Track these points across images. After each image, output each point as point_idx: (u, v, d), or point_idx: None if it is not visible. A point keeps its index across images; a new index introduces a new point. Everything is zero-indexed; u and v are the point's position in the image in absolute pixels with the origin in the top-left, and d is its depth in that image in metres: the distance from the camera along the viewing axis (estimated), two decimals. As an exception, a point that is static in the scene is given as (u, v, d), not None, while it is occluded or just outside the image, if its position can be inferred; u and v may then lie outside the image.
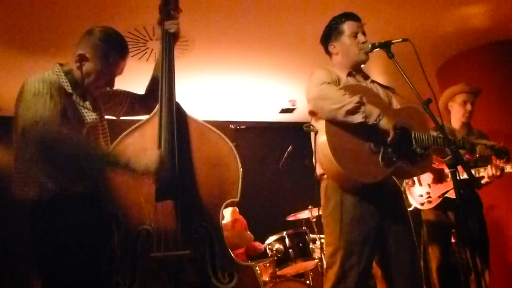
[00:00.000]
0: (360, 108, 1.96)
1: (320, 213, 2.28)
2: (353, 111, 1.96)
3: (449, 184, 3.18)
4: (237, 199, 1.85)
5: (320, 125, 2.04)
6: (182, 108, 1.94)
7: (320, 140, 2.01)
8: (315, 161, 2.17)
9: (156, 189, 1.75)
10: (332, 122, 2.00)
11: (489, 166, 3.05)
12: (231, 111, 5.74)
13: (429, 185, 3.30)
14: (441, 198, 3.22)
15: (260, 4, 3.59)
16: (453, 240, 3.48)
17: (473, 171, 3.12)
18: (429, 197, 3.27)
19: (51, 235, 1.73)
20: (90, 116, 1.90)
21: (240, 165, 1.87)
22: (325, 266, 2.11)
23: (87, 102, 1.93)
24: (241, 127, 5.53)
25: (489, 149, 2.48)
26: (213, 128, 1.92)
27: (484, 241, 3.15)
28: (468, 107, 3.26)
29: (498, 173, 3.01)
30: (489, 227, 3.28)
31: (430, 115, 1.91)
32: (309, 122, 2.15)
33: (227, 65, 4.61)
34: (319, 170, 2.17)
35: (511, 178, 3.18)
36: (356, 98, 1.97)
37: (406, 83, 1.96)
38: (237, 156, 1.88)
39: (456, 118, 3.34)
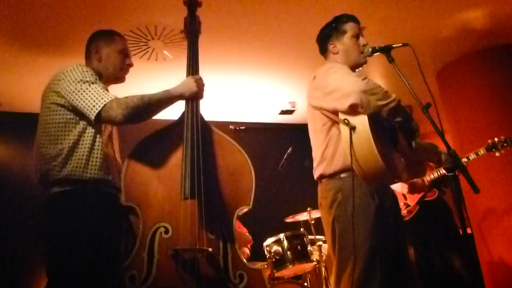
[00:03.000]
0: (401, 107, 2.00)
1: (320, 215, 2.24)
2: (397, 109, 1.98)
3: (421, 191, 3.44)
4: (249, 207, 2.03)
5: (358, 120, 1.92)
6: (204, 119, 2.14)
7: (362, 136, 1.89)
8: (318, 161, 2.15)
9: (183, 188, 1.89)
10: (371, 118, 1.92)
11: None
12: (231, 111, 5.73)
13: (404, 196, 3.40)
14: (418, 205, 3.34)
15: (261, 5, 3.60)
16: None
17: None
18: (408, 206, 3.36)
19: (66, 225, 1.76)
20: None
21: (253, 175, 2.07)
22: (335, 269, 2.02)
23: None
24: (241, 127, 5.55)
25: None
26: (231, 140, 2.16)
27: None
28: None
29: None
30: (491, 226, 3.30)
31: (429, 120, 1.91)
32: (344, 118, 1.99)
33: (228, 66, 4.61)
34: (327, 170, 2.09)
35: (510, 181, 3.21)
36: (397, 97, 1.98)
37: (406, 87, 1.95)
38: (251, 167, 2.10)
39: None
